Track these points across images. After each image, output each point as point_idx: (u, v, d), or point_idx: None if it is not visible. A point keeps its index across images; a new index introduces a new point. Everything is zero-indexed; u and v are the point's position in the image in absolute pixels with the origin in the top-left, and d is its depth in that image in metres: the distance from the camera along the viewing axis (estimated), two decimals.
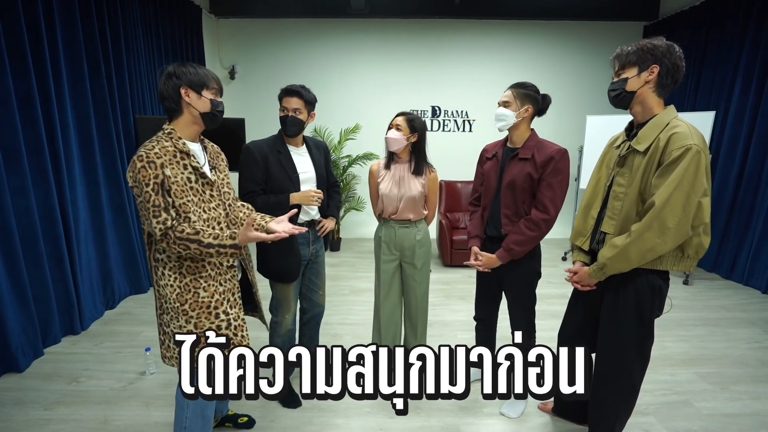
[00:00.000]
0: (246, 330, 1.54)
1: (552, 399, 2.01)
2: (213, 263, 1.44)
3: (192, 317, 1.40)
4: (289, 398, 2.07)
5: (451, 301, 3.40)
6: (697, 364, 2.46)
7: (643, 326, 1.47)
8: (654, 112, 1.42)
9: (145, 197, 1.27)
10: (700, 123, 3.60)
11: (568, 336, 1.80)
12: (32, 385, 2.19)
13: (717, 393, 2.19)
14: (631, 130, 1.51)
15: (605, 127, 4.09)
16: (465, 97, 5.19)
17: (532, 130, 1.82)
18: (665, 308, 1.50)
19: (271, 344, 2.06)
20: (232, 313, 1.48)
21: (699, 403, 2.10)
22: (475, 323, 2.18)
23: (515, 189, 1.78)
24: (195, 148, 1.43)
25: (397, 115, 2.01)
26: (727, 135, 3.93)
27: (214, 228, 1.43)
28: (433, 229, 5.01)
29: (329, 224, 2.05)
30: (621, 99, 1.45)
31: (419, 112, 5.25)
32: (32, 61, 2.37)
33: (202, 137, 1.50)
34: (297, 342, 2.27)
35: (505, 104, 1.79)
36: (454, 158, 5.06)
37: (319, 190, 1.87)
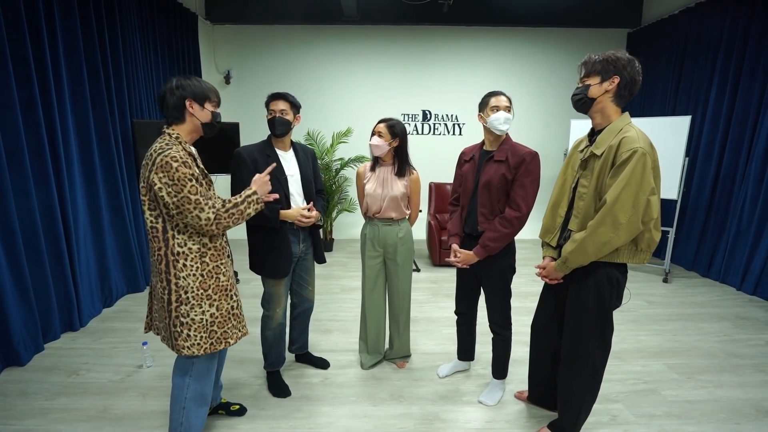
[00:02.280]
0: (242, 311, 1.75)
1: (527, 387, 2.13)
2: (225, 251, 1.61)
3: (215, 300, 1.56)
4: (279, 388, 2.18)
5: (438, 298, 3.53)
6: (668, 356, 2.60)
7: (603, 316, 1.60)
8: (611, 120, 1.55)
9: (191, 191, 1.41)
10: (677, 127, 3.77)
11: (539, 326, 1.93)
12: (34, 377, 2.29)
13: (683, 382, 2.32)
14: (592, 135, 1.64)
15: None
16: (455, 101, 5.34)
17: (506, 134, 1.96)
18: (624, 299, 1.63)
19: (262, 337, 2.18)
20: (237, 296, 1.68)
21: (665, 391, 2.23)
22: (456, 318, 2.31)
23: (491, 189, 1.91)
24: (194, 151, 1.59)
25: (379, 123, 2.15)
26: (704, 139, 4.09)
27: None
28: (422, 230, 5.14)
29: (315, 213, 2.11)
30: (582, 104, 1.58)
31: (410, 116, 5.40)
32: (35, 68, 2.49)
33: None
34: (287, 336, 2.38)
35: (507, 109, 1.92)
36: (444, 161, 5.18)
37: (310, 213, 2.00)
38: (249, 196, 1.61)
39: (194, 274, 1.51)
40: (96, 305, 3.10)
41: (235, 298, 1.66)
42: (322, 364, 2.45)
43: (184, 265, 1.50)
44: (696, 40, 4.18)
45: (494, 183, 1.89)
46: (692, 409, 2.09)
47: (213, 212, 1.47)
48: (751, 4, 3.59)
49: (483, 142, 2.03)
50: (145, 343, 2.41)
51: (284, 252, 2.03)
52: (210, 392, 1.69)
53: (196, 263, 1.52)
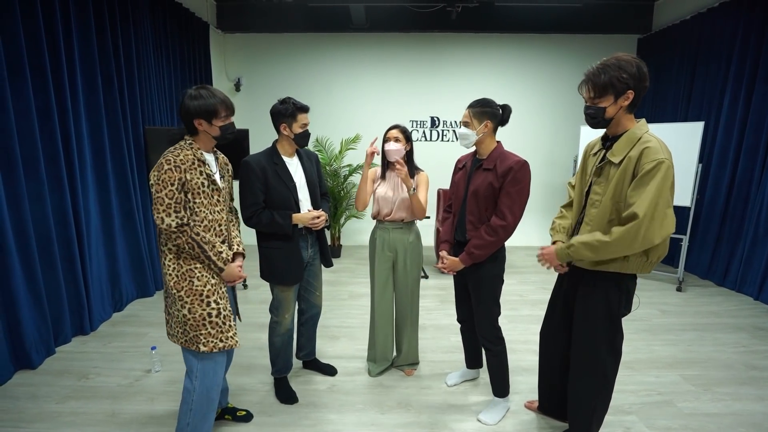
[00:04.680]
0: (233, 321, 1.69)
1: (537, 397, 2.09)
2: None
3: (186, 303, 1.57)
4: (286, 394, 2.17)
5: (446, 305, 3.50)
6: (683, 367, 2.53)
7: (612, 322, 1.56)
8: (627, 127, 1.52)
9: (168, 194, 1.49)
10: (690, 133, 3.71)
11: (548, 333, 1.90)
12: (45, 380, 2.31)
13: (700, 394, 2.26)
14: (607, 140, 1.62)
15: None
16: (463, 108, 5.21)
17: (498, 142, 1.92)
18: (633, 306, 1.59)
19: (270, 343, 2.17)
20: (221, 304, 1.63)
21: (681, 404, 2.17)
22: (459, 325, 2.28)
23: (478, 197, 1.88)
24: (209, 158, 1.65)
25: (391, 129, 2.18)
26: (718, 145, 4.02)
27: (215, 228, 1.65)
28: (431, 237, 5.12)
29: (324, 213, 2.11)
30: (599, 123, 1.54)
31: (419, 122, 5.41)
32: (51, 76, 2.55)
33: (215, 149, 1.72)
34: (295, 341, 2.38)
35: (465, 124, 1.90)
36: (452, 167, 5.17)
37: (320, 214, 2.02)
38: (217, 266, 1.60)
39: (170, 273, 1.58)
40: (106, 309, 3.13)
41: (214, 305, 1.59)
42: (330, 371, 2.43)
43: (164, 263, 1.58)
44: (708, 45, 4.13)
45: (481, 191, 1.86)
46: (709, 422, 2.03)
47: (177, 222, 1.50)
48: (765, 8, 3.54)
49: (476, 150, 2.00)
50: (153, 348, 2.42)
51: (295, 258, 2.04)
52: (216, 395, 1.69)
53: (173, 263, 1.58)
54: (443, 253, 2.04)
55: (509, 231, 1.84)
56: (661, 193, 1.37)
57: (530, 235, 5.21)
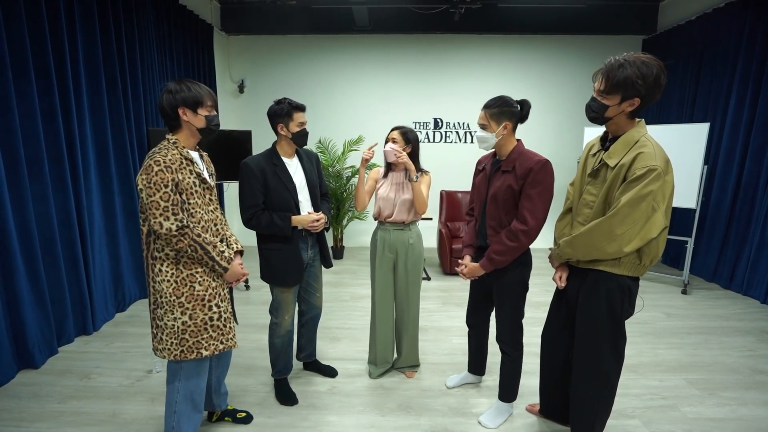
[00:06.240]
0: (232, 323, 1.69)
1: (538, 400, 2.07)
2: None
3: (188, 308, 1.53)
4: (286, 396, 2.17)
5: (448, 307, 3.48)
6: (688, 371, 2.50)
7: (615, 324, 1.55)
8: (625, 129, 1.51)
9: (163, 197, 1.42)
10: (695, 135, 3.67)
11: (550, 336, 1.88)
12: (47, 380, 2.33)
13: (704, 398, 2.23)
14: (605, 140, 1.60)
15: None
16: (466, 109, 5.33)
17: (519, 140, 1.85)
18: (636, 308, 1.58)
19: (270, 345, 2.17)
20: (222, 307, 1.62)
21: (685, 408, 2.14)
22: (467, 329, 2.26)
23: (498, 201, 1.82)
24: (195, 156, 1.59)
25: (392, 130, 2.18)
26: (724, 146, 3.98)
27: (212, 228, 1.62)
28: (433, 238, 5.11)
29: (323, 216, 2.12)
30: (596, 119, 1.54)
31: (422, 123, 5.41)
32: (56, 78, 2.57)
33: (198, 147, 1.66)
34: (295, 343, 2.38)
35: (482, 126, 1.83)
36: (456, 168, 5.18)
37: (320, 216, 2.02)
38: (222, 266, 1.57)
39: (168, 280, 1.51)
40: (109, 309, 3.14)
41: (216, 309, 1.59)
42: (330, 372, 2.43)
43: (160, 269, 1.51)
44: (714, 46, 4.10)
45: (500, 195, 1.79)
46: (714, 427, 2.00)
47: (177, 225, 1.45)
48: None
49: (496, 151, 1.94)
50: None
51: (295, 260, 2.03)
52: (201, 398, 1.67)
53: (171, 269, 1.52)
54: (465, 259, 1.98)
55: (531, 236, 1.75)
56: (644, 197, 1.37)
57: None
